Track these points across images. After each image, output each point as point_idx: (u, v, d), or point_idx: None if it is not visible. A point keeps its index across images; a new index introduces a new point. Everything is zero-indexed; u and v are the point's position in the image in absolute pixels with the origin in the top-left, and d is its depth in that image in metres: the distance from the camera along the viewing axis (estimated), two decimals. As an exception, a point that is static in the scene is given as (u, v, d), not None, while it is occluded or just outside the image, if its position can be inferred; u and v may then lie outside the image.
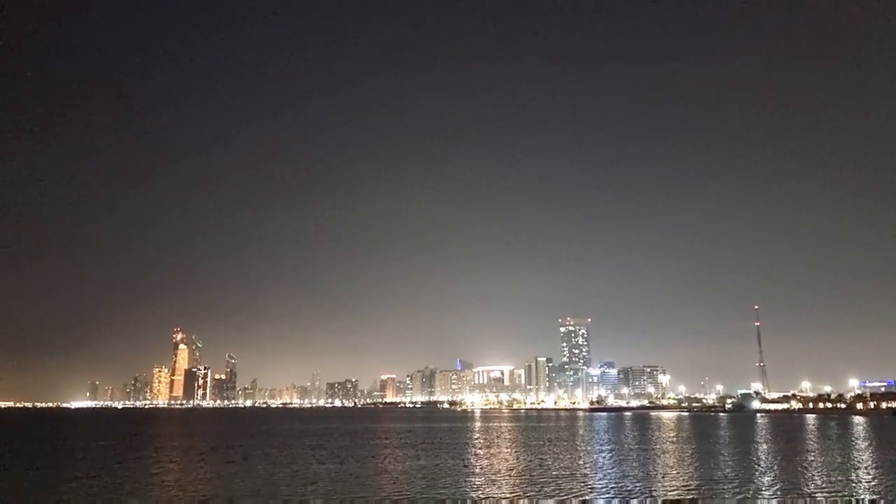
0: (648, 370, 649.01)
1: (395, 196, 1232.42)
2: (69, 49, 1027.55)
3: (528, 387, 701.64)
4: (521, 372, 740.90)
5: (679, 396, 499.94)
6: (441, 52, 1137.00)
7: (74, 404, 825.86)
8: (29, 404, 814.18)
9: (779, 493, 52.89)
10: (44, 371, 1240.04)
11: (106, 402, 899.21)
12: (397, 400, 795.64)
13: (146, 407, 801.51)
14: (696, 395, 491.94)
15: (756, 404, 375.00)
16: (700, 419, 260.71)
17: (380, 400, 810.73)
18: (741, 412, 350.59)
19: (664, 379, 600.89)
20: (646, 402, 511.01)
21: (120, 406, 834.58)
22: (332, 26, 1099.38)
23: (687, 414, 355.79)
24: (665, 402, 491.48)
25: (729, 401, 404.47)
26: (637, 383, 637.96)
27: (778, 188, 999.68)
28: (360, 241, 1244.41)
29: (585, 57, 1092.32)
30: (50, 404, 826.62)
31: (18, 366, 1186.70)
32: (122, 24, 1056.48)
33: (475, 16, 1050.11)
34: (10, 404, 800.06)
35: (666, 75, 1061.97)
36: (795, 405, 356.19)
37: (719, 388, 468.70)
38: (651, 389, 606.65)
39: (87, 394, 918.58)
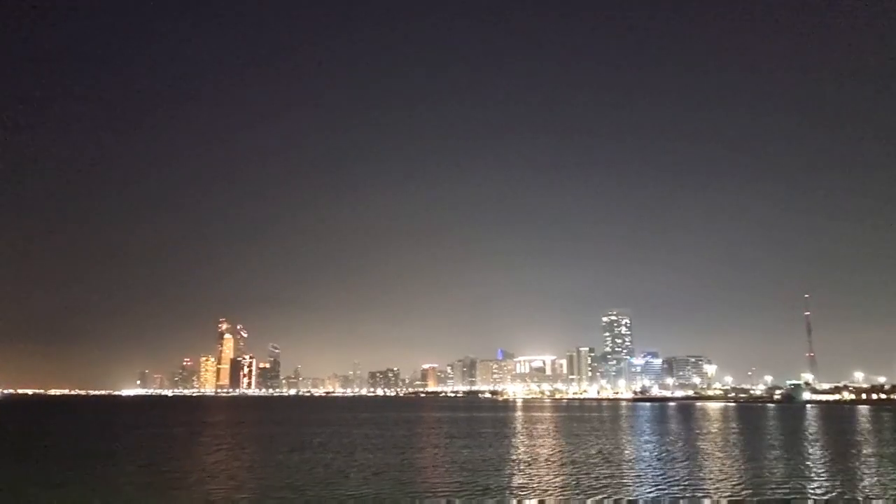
0: (693, 360, 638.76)
1: (438, 187, 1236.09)
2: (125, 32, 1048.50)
3: (571, 377, 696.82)
4: (563, 362, 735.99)
5: (725, 387, 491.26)
6: (487, 44, 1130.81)
7: (126, 392, 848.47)
8: (83, 392, 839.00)
9: (834, 491, 50.98)
10: (96, 360, 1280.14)
11: (155, 390, 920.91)
12: (438, 389, 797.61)
13: (194, 395, 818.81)
14: (743, 385, 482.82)
15: (806, 395, 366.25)
16: (747, 410, 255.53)
17: (421, 389, 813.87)
18: (790, 403, 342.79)
19: (710, 369, 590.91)
20: (690, 393, 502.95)
21: (170, 394, 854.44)
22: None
23: (733, 405, 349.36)
24: (711, 393, 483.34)
25: (777, 392, 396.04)
26: (681, 373, 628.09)
27: (828, 174, 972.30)
28: (403, 232, 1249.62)
29: (630, 49, 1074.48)
30: (102, 392, 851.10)
31: (73, 355, 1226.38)
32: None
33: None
34: (66, 391, 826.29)
35: (712, 71, 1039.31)
36: (847, 396, 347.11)
37: (768, 378, 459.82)
38: (696, 380, 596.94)
39: (138, 382, 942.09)
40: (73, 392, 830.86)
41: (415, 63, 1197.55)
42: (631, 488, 50.01)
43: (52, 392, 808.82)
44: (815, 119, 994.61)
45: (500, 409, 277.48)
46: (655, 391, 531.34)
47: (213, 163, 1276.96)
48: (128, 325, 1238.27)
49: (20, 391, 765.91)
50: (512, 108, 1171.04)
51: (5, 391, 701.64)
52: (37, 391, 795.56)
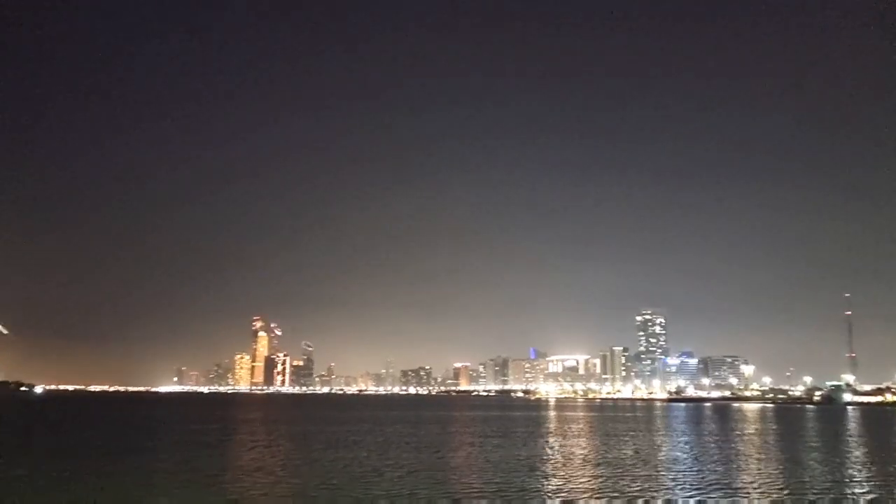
0: (730, 360, 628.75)
1: (473, 187, 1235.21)
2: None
3: (604, 376, 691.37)
4: (597, 361, 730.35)
5: (763, 388, 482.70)
6: (523, 45, 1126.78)
7: (163, 389, 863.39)
8: (122, 388, 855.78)
9: (878, 493, 49.54)
10: (135, 357, 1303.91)
11: (192, 387, 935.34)
12: (470, 388, 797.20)
13: (229, 392, 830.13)
14: (782, 386, 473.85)
15: (847, 397, 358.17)
16: (786, 411, 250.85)
17: (453, 388, 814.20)
18: (830, 405, 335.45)
19: (747, 369, 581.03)
20: (727, 393, 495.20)
21: (206, 391, 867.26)
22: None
23: (771, 406, 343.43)
24: (748, 394, 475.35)
25: (817, 393, 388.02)
26: (717, 373, 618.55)
27: (870, 172, 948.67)
28: (438, 231, 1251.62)
29: (664, 48, 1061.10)
30: (141, 388, 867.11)
31: (112, 352, 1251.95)
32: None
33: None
34: (105, 387, 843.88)
35: (748, 69, 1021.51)
36: (890, 398, 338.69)
37: (807, 379, 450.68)
38: (733, 380, 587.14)
39: (175, 379, 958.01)
40: (112, 388, 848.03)
41: (454, 62, 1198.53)
42: (669, 490, 49.17)
43: (93, 388, 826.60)
44: (857, 116, 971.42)
45: (532, 408, 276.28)
46: (691, 391, 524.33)
47: (248, 161, 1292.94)
48: (165, 323, 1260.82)
49: (62, 387, 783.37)
50: (547, 107, 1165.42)
51: (47, 387, 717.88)
52: (78, 387, 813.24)
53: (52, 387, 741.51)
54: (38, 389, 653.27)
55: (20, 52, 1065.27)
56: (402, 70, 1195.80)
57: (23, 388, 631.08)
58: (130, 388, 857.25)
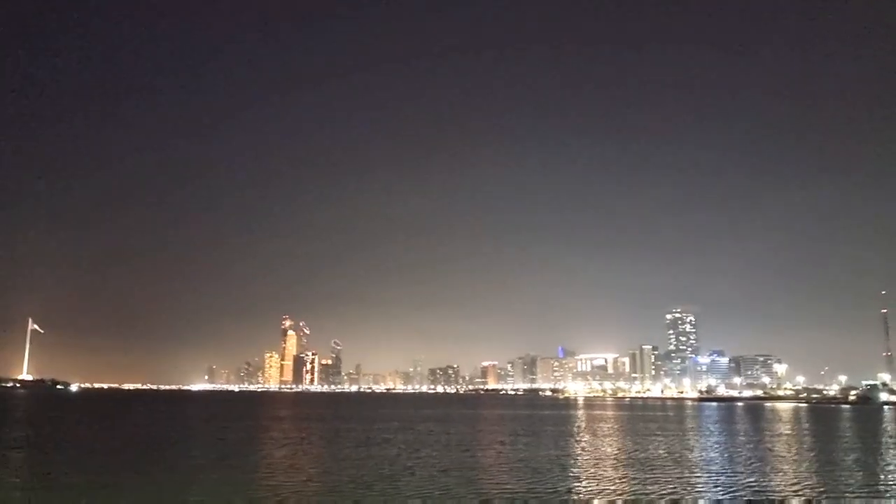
0: (762, 359, 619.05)
1: (500, 185, 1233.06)
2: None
3: (633, 375, 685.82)
4: (626, 360, 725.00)
5: (796, 387, 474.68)
6: (558, 43, 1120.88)
7: (194, 387, 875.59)
8: (154, 386, 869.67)
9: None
10: (166, 356, 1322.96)
11: (222, 385, 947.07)
12: (499, 387, 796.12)
13: (258, 390, 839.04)
14: (816, 385, 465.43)
15: (883, 396, 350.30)
16: (820, 411, 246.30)
17: (481, 387, 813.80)
18: (866, 405, 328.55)
19: (780, 368, 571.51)
20: (759, 393, 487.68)
21: (236, 389, 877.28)
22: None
23: (805, 405, 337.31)
24: (781, 393, 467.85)
25: (852, 392, 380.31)
26: (749, 372, 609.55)
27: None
28: (465, 229, 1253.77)
29: (696, 45, 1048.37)
30: (172, 386, 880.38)
31: (145, 351, 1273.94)
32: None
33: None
34: (139, 385, 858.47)
35: (782, 62, 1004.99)
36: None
37: (842, 378, 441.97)
38: (765, 379, 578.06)
39: (206, 377, 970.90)
40: (145, 386, 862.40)
41: (479, 61, 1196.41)
42: (703, 489, 48.61)
43: (126, 386, 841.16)
44: (892, 112, 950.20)
45: (561, 407, 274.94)
46: (722, 391, 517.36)
47: (277, 161, 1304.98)
48: (196, 322, 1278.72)
49: (96, 385, 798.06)
50: (575, 105, 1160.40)
51: (83, 385, 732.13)
52: (112, 385, 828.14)
53: (87, 385, 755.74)
54: (74, 387, 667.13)
55: (60, 50, 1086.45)
56: (428, 66, 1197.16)
57: (59, 386, 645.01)
58: (162, 387, 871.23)
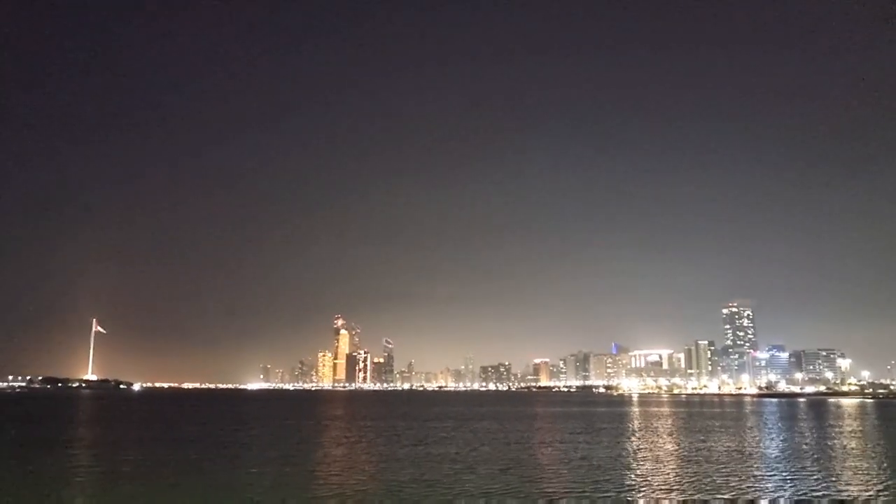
0: (824, 353, 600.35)
1: (553, 182, 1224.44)
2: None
3: (689, 371, 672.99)
4: (681, 356, 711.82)
5: (861, 382, 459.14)
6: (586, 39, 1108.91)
7: (250, 386, 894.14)
8: (212, 385, 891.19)
9: None
10: (223, 355, 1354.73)
11: (277, 384, 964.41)
12: (551, 384, 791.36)
13: (312, 389, 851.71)
14: (882, 380, 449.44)
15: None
16: (887, 407, 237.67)
17: (533, 384, 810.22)
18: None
19: (843, 363, 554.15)
20: (822, 388, 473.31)
21: (291, 388, 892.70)
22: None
23: (871, 401, 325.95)
24: (845, 389, 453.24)
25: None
26: (811, 367, 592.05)
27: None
28: (516, 226, 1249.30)
29: (751, 40, 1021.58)
30: (229, 386, 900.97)
31: (202, 351, 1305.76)
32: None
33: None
34: (197, 385, 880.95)
35: (835, 60, 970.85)
36: None
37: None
38: (828, 374, 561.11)
39: (261, 376, 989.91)
40: (203, 386, 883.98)
41: (540, 63, 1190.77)
42: (770, 487, 47.12)
43: (186, 385, 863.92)
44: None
45: (616, 404, 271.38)
46: (782, 386, 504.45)
47: (328, 162, 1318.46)
48: (251, 323, 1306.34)
49: (157, 384, 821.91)
50: (624, 104, 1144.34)
51: (145, 384, 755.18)
52: (172, 384, 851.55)
53: (149, 384, 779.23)
54: (136, 387, 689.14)
55: (128, 50, 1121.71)
56: (485, 76, 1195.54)
57: (122, 386, 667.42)
58: (220, 386, 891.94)
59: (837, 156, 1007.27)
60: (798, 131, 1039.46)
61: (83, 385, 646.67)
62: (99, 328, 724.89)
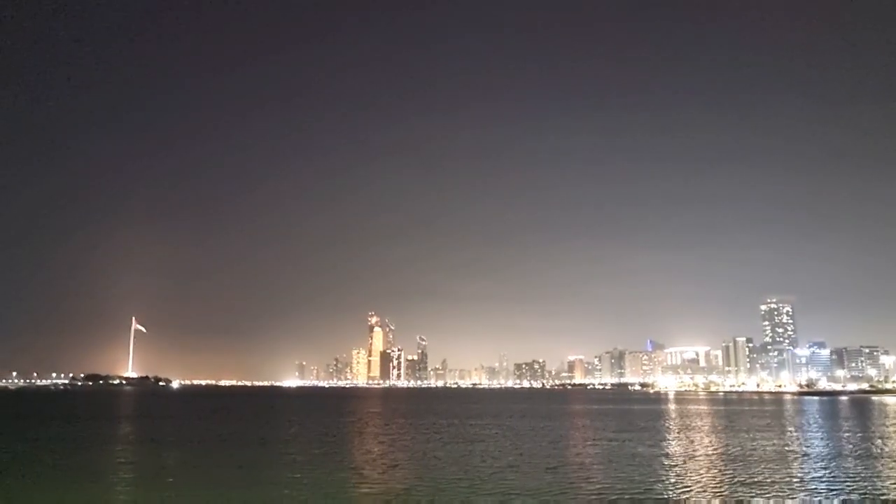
0: (867, 350, 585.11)
1: (585, 180, 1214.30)
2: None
3: (727, 368, 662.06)
4: (718, 353, 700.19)
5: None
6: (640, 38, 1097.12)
7: (286, 383, 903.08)
8: (248, 383, 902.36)
9: None
10: (259, 353, 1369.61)
11: (312, 382, 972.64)
12: (586, 381, 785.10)
13: (347, 386, 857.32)
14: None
15: None
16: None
17: (568, 381, 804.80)
18: None
19: (887, 360, 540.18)
20: (865, 386, 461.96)
21: (326, 385, 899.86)
22: None
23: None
24: (889, 386, 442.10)
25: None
26: (853, 365, 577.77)
27: None
28: (550, 224, 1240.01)
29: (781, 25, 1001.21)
30: (265, 383, 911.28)
31: (239, 348, 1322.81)
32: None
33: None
34: (234, 382, 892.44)
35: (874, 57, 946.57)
36: None
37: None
38: (871, 372, 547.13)
39: (296, 374, 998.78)
40: (240, 383, 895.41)
41: (572, 61, 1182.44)
42: (814, 487, 45.79)
43: (223, 383, 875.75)
44: None
45: (652, 401, 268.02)
46: (824, 384, 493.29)
47: (359, 160, 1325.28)
48: (286, 321, 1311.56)
49: (195, 382, 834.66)
50: (665, 99, 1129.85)
51: (183, 381, 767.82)
52: (209, 382, 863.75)
53: (187, 382, 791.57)
54: (175, 384, 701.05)
55: (166, 58, 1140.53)
56: (511, 73, 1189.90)
57: (161, 383, 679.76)
58: (256, 383, 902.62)
59: (881, 151, 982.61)
60: (840, 126, 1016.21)
61: (123, 382, 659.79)
62: (138, 326, 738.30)
